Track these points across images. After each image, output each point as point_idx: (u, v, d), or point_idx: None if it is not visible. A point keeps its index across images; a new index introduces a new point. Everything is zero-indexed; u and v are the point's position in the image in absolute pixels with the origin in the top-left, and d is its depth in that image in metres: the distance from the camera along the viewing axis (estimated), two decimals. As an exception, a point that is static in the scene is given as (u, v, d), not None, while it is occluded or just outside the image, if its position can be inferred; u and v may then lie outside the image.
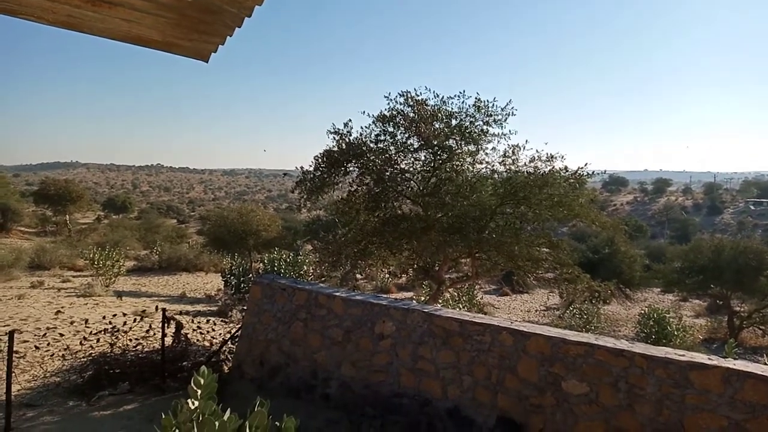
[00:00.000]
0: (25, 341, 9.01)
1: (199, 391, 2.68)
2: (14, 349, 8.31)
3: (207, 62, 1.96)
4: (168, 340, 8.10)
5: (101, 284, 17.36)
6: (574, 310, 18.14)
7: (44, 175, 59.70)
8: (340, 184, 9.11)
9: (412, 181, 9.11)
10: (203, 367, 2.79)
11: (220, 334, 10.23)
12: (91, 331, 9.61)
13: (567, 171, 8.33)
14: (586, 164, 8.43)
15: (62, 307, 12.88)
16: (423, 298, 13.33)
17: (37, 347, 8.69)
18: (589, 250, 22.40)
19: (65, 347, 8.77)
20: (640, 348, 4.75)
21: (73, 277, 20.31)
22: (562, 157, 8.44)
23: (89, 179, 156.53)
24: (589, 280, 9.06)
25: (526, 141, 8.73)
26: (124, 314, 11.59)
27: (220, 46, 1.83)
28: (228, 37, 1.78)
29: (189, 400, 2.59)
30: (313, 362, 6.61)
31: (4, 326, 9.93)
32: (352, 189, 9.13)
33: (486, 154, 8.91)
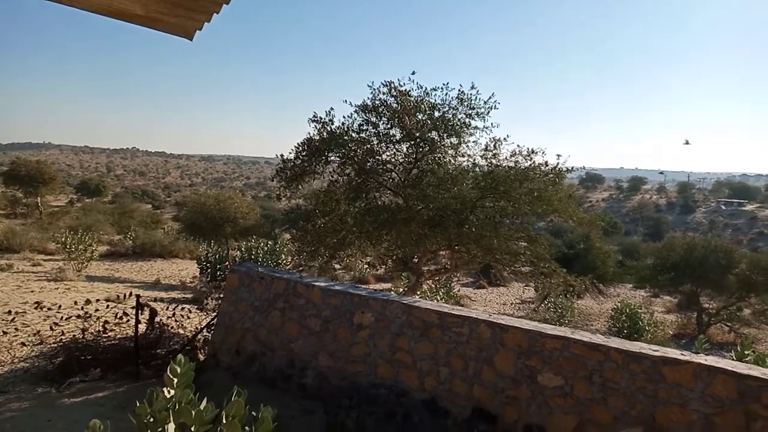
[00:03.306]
0: (-8, 326, 8.76)
1: (176, 380, 2.63)
2: (-19, 333, 8.11)
3: (191, 40, 1.89)
4: (142, 327, 7.96)
5: (73, 269, 16.98)
6: (549, 304, 18.42)
7: (15, 156, 58.05)
8: (320, 173, 9.03)
9: (393, 173, 9.07)
10: (180, 356, 2.73)
11: (196, 322, 10.10)
12: (63, 317, 9.40)
13: (547, 166, 8.39)
14: (566, 158, 8.49)
15: (32, 291, 12.57)
16: (401, 290, 13.35)
17: (5, 332, 8.46)
18: (565, 245, 22.71)
19: (35, 332, 8.56)
20: (615, 343, 4.82)
21: (44, 260, 19.85)
22: (543, 152, 8.51)
23: (62, 161, 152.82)
24: (565, 274, 9.17)
25: (507, 135, 8.77)
26: (97, 300, 11.37)
27: (205, 23, 1.76)
28: (215, 14, 1.70)
29: (165, 389, 2.53)
30: (290, 352, 6.56)
31: (-29, 310, 9.65)
32: (333, 178, 9.06)
33: (468, 147, 8.94)
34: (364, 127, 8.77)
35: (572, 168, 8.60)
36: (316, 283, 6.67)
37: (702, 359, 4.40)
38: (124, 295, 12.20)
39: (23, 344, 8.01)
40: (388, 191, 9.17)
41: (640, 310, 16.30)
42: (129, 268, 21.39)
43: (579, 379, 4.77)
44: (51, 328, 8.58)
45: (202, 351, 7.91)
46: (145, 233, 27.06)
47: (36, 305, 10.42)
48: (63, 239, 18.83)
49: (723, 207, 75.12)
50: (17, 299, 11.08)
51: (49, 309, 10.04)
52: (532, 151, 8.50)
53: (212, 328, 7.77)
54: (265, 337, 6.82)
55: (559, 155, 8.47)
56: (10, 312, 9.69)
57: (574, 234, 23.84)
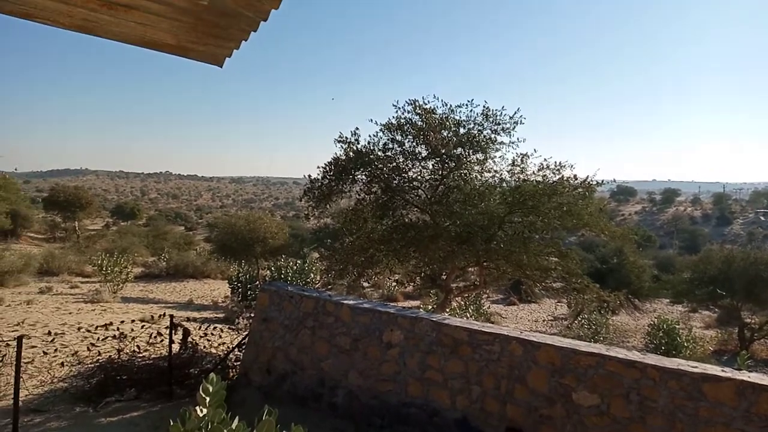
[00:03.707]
0: (33, 347, 9.02)
1: (208, 399, 2.67)
2: (22, 354, 8.36)
3: (221, 67, 1.96)
4: (175, 347, 8.09)
5: (109, 290, 17.43)
6: (583, 321, 18.00)
7: (54, 182, 60.21)
8: (347, 192, 9.10)
9: (419, 190, 9.09)
10: (212, 374, 2.79)
11: (227, 341, 10.22)
12: (99, 337, 9.62)
13: (576, 179, 8.28)
14: (596, 172, 8.36)
15: (70, 313, 12.92)
16: (430, 307, 13.27)
17: (45, 353, 8.70)
18: (597, 260, 22.26)
19: (73, 353, 8.78)
20: (652, 359, 4.69)
21: (82, 283, 20.41)
22: (572, 165, 8.41)
23: (98, 186, 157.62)
24: (599, 289, 8.97)
25: (534, 150, 8.71)
26: (132, 320, 11.61)
27: (234, 50, 1.82)
28: (243, 41, 1.77)
29: (197, 408, 2.58)
30: (320, 370, 6.57)
31: (13, 331, 9.97)
32: (360, 197, 9.13)
33: (494, 162, 8.91)
34: (390, 146, 8.84)
35: (602, 181, 8.44)
36: (345, 302, 6.68)
37: (745, 376, 4.23)
38: (159, 316, 12.43)
39: (62, 364, 8.22)
40: (415, 208, 9.18)
41: (677, 326, 15.77)
42: (163, 289, 21.82)
43: (615, 397, 4.64)
44: (88, 349, 8.77)
45: (234, 370, 7.99)
46: (178, 255, 27.62)
47: (79, 328, 10.69)
48: (99, 262, 19.40)
49: (762, 218, 72.63)
50: (56, 320, 11.41)
51: (87, 330, 10.29)
52: (560, 165, 8.41)
53: (243, 347, 7.85)
54: (296, 355, 6.85)
55: (596, 171, 8.27)
56: (49, 333, 9.96)
57: (606, 248, 23.36)
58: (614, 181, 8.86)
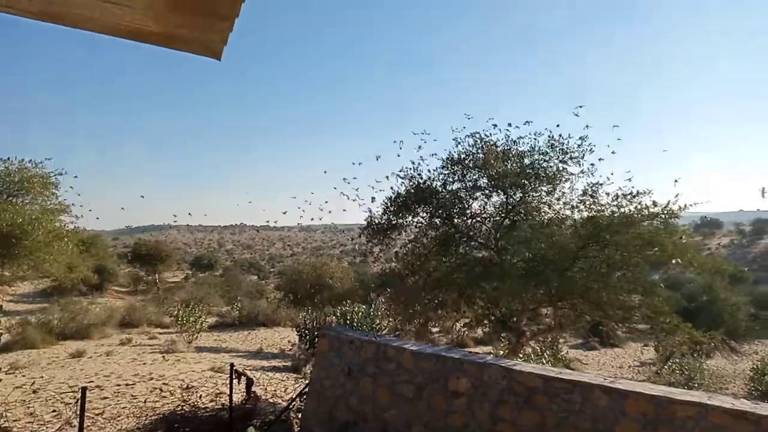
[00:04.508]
0: (105, 398, 9.17)
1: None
2: (95, 405, 8.50)
3: (220, 59, 1.74)
4: (239, 397, 7.93)
5: (184, 340, 17.83)
6: (673, 366, 16.40)
7: (138, 237, 64.01)
8: (407, 227, 8.83)
9: (483, 225, 8.67)
10: (250, 429, 2.55)
11: (293, 389, 10.00)
12: (168, 389, 9.68)
13: (656, 206, 7.53)
14: (676, 198, 7.57)
15: (144, 364, 13.22)
16: (501, 353, 12.48)
17: (115, 404, 8.80)
18: (685, 298, 20.51)
19: (141, 404, 8.83)
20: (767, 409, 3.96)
21: (160, 334, 21.08)
22: (649, 192, 7.69)
23: (179, 240, 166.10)
24: (690, 329, 7.98)
25: (607, 177, 8.11)
26: (202, 371, 11.69)
27: (229, 34, 1.60)
28: (235, 18, 1.54)
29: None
30: (383, 422, 6.14)
31: (89, 382, 10.23)
32: (422, 232, 8.83)
33: (563, 193, 8.37)
34: (451, 179, 8.56)
35: (686, 206, 7.58)
36: (407, 347, 6.29)
37: None
38: (231, 365, 12.50)
39: (129, 416, 8.25)
40: (479, 243, 8.73)
41: (789, 370, 13.98)
42: (235, 338, 22.13)
43: (726, 455, 3.93)
44: (155, 401, 8.82)
45: (296, 421, 7.69)
46: (249, 303, 28.13)
47: (150, 379, 10.87)
48: (176, 312, 20.04)
49: None
50: (130, 372, 11.65)
51: (157, 381, 10.41)
52: (637, 193, 7.73)
53: (305, 396, 7.57)
54: (357, 405, 6.47)
55: (677, 195, 7.49)
56: (120, 385, 10.15)
57: (693, 285, 21.57)
58: (696, 204, 7.85)
